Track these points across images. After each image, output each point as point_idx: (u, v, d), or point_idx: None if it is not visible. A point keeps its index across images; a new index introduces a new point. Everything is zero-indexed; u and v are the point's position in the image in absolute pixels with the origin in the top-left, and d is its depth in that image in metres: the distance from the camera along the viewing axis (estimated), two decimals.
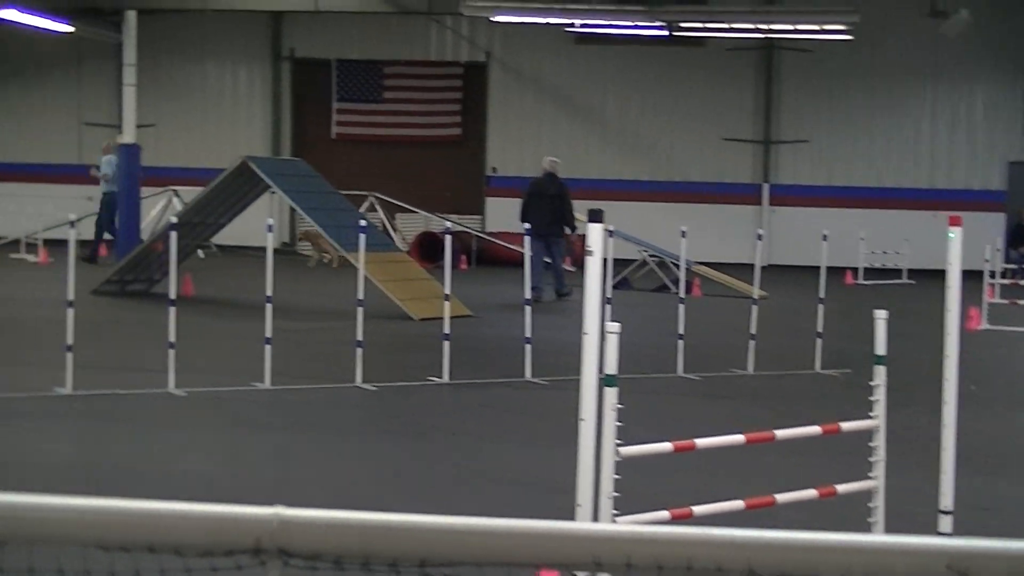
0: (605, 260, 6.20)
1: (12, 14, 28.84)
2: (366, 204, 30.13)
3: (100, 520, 2.32)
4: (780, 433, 6.76)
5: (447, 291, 13.50)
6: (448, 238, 13.97)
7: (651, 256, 25.68)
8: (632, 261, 25.42)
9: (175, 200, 30.20)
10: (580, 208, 24.00)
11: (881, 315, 6.51)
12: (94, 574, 2.88)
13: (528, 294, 17.26)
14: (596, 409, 5.63)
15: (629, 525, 3.05)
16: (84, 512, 2.32)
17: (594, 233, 5.46)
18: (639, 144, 34.41)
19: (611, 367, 5.61)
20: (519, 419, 11.27)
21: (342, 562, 2.32)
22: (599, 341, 5.58)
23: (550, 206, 22.17)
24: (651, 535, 2.38)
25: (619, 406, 5.70)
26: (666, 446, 6.25)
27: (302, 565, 2.35)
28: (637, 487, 7.63)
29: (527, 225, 15.95)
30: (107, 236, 27.35)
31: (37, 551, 2.48)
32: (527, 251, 14.59)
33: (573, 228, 22.47)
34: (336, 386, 12.46)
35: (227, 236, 24.53)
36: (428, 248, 28.96)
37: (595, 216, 5.44)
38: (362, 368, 12.54)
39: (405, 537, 2.29)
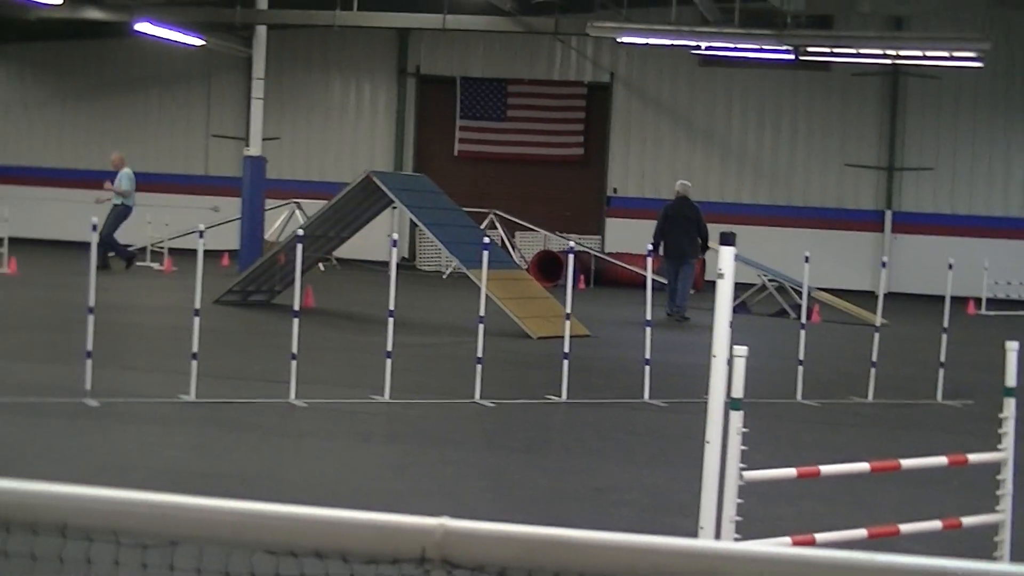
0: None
1: (146, 27, 29.44)
2: (486, 221, 30.29)
3: (268, 524, 2.37)
4: (906, 462, 6.69)
5: (568, 310, 13.52)
6: (571, 257, 13.98)
7: (770, 280, 25.52)
8: (751, 285, 25.25)
9: (298, 213, 30.58)
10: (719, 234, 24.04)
11: (1012, 346, 6.42)
12: None
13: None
14: (722, 432, 5.62)
15: (757, 544, 3.03)
16: (252, 516, 2.37)
17: (726, 256, 5.46)
18: (760, 168, 34.21)
19: (738, 391, 5.60)
20: (638, 439, 11.25)
21: (505, 574, 2.35)
22: (726, 364, 5.57)
23: (685, 229, 22.39)
24: (776, 555, 2.36)
25: (744, 430, 5.69)
26: (790, 472, 6.23)
27: None
28: (759, 512, 7.61)
29: (651, 246, 15.98)
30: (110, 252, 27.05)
31: (191, 550, 2.55)
32: (648, 273, 14.50)
33: (705, 251, 22.72)
34: (455, 401, 12.54)
35: (346, 249, 24.78)
36: (547, 267, 29.02)
37: (727, 239, 5.44)
38: (481, 384, 12.61)
39: (569, 550, 2.31)
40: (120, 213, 26.94)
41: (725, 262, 5.47)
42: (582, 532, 2.34)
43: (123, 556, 2.69)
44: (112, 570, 3.02)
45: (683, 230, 22.45)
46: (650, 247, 15.52)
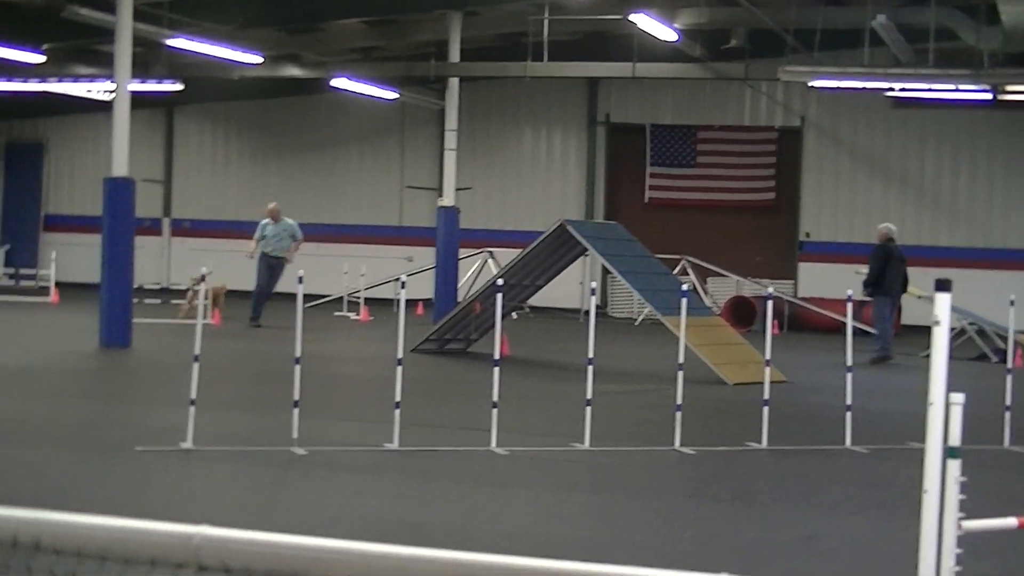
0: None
1: (343, 82, 30.13)
2: (678, 267, 30.24)
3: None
4: None
5: (767, 356, 13.42)
6: (770, 303, 13.89)
7: (970, 324, 24.99)
8: (950, 330, 24.70)
9: (490, 262, 30.90)
10: (917, 276, 23.93)
11: None
12: None
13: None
14: (939, 481, 5.54)
15: None
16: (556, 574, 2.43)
17: (942, 303, 5.39)
18: (957, 210, 33.55)
19: (954, 439, 5.52)
20: (842, 487, 11.10)
21: None
22: (943, 411, 5.49)
23: (900, 271, 23.23)
24: None
25: (962, 479, 5.60)
26: (1010, 521, 6.09)
27: None
28: (971, 565, 7.45)
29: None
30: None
31: None
32: (849, 318, 14.30)
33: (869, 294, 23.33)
34: (655, 449, 12.52)
35: (538, 298, 24.94)
36: (739, 312, 28.83)
37: (942, 286, 5.37)
38: (681, 431, 12.58)
39: None
40: (264, 266, 26.80)
41: (941, 309, 5.41)
42: None
43: None
44: None
45: (898, 272, 23.16)
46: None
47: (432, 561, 2.40)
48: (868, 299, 24.17)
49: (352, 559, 2.41)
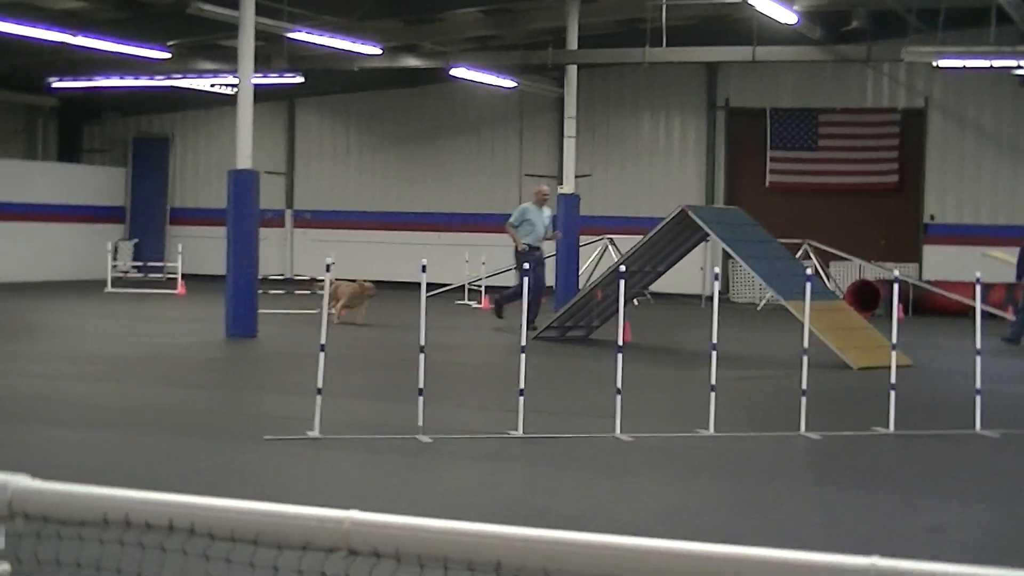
0: None
1: (461, 72, 30.29)
2: (800, 251, 29.99)
3: (700, 565, 2.44)
4: None
5: (894, 340, 13.28)
6: (896, 287, 13.75)
7: None
8: None
9: (611, 249, 30.88)
10: None
11: None
12: None
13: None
14: None
15: None
16: (681, 556, 2.45)
17: None
18: None
19: None
20: (971, 474, 10.98)
21: None
22: None
23: None
24: None
25: None
26: None
27: None
28: None
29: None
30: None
31: None
32: (978, 302, 14.06)
33: None
34: (781, 434, 12.46)
35: (658, 284, 24.87)
36: (863, 296, 28.52)
37: None
38: (806, 417, 12.50)
39: None
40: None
41: None
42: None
43: None
44: None
45: None
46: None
47: (579, 544, 2.43)
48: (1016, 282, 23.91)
49: (496, 543, 2.45)
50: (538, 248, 23.73)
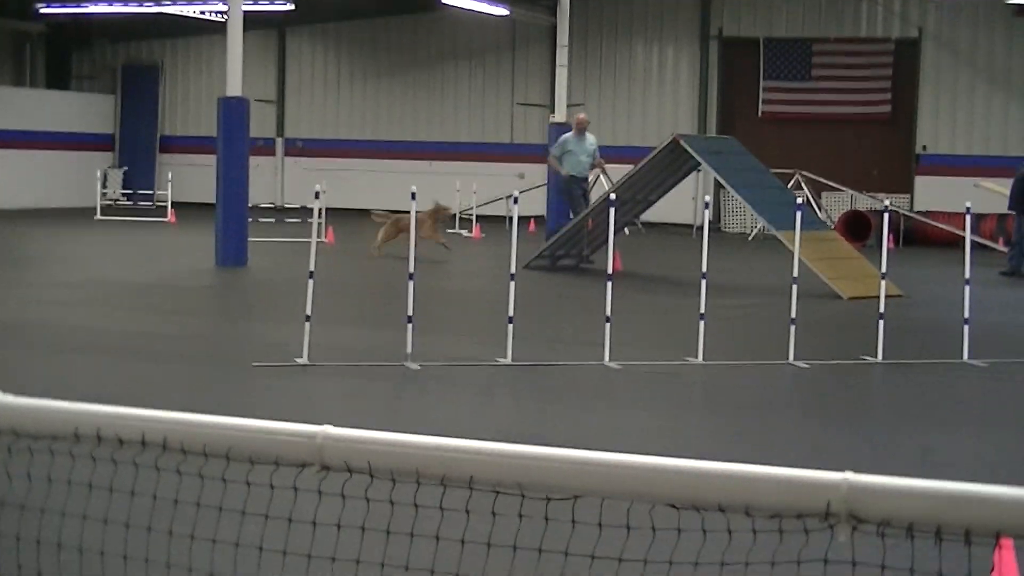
0: None
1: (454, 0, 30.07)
2: (792, 182, 29.91)
3: (672, 479, 2.43)
4: None
5: (883, 269, 13.27)
6: (886, 216, 13.71)
7: None
8: None
9: (603, 178, 30.79)
10: None
11: None
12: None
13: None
14: None
15: None
16: (655, 471, 2.43)
17: None
18: None
19: None
20: (960, 402, 11.00)
21: (913, 530, 2.33)
22: None
23: (1018, 185, 22.73)
24: None
25: None
26: None
27: (871, 531, 2.38)
28: None
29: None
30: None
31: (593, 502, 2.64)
32: (967, 232, 14.02)
33: None
34: (769, 363, 12.47)
35: (650, 213, 24.82)
36: (854, 226, 28.48)
37: None
38: (795, 345, 12.50)
39: (981, 505, 2.28)
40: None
41: None
42: (993, 487, 2.31)
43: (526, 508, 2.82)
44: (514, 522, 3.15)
45: None
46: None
47: (550, 459, 2.41)
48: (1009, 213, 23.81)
49: (474, 458, 2.43)
50: (584, 179, 23.00)
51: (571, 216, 22.27)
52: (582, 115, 23.64)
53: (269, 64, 39.24)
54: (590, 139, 22.95)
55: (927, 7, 32.92)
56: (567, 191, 22.99)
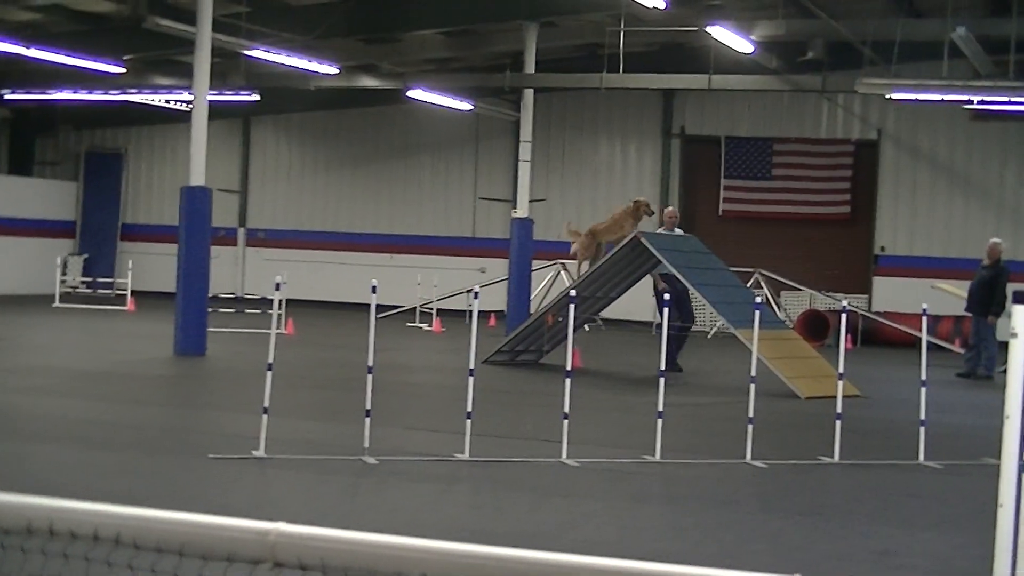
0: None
1: (418, 93, 30.26)
2: (752, 280, 30.10)
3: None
4: None
5: (840, 370, 13.33)
6: (843, 316, 13.81)
7: None
8: None
9: (563, 274, 30.90)
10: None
11: None
12: None
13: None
14: (1015, 495, 5.49)
15: None
16: (606, 572, 2.43)
17: (1018, 315, 5.35)
18: None
19: None
20: (916, 502, 11.01)
21: None
22: (1021, 426, 5.45)
23: (976, 288, 23.10)
24: None
25: None
26: None
27: None
28: None
29: None
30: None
31: None
32: (924, 333, 14.14)
33: (994, 314, 22.52)
34: (727, 462, 12.48)
35: (611, 310, 24.90)
36: (813, 326, 28.65)
37: (1019, 298, 5.33)
38: (752, 444, 12.52)
39: None
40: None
41: (1019, 322, 5.36)
42: None
43: None
44: None
45: (976, 288, 23.19)
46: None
47: (503, 559, 2.41)
48: (967, 314, 23.98)
49: (426, 556, 2.43)
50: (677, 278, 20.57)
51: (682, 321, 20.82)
52: (672, 207, 22.49)
53: (233, 153, 39.35)
54: (679, 233, 21.88)
55: (887, 109, 33.34)
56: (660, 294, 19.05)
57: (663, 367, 12.93)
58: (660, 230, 21.75)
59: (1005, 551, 5.51)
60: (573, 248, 21.82)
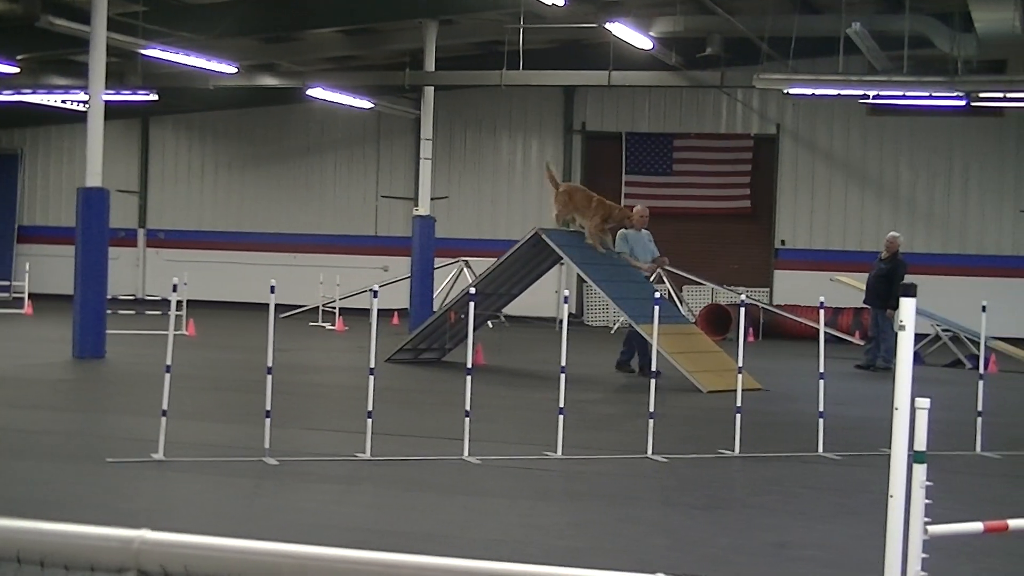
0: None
1: (318, 92, 30.10)
2: (654, 276, 30.23)
3: None
4: None
5: (739, 364, 13.43)
6: (742, 310, 13.91)
7: (944, 331, 25.08)
8: (924, 336, 24.86)
9: (466, 271, 30.89)
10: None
11: None
12: None
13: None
14: (905, 486, 5.54)
15: None
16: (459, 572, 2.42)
17: (906, 308, 5.40)
18: (932, 216, 33.67)
19: (920, 443, 5.53)
20: (815, 494, 11.11)
21: None
22: (909, 417, 5.50)
23: (874, 281, 23.44)
24: None
25: (928, 483, 5.61)
26: (976, 526, 6.10)
27: None
28: (943, 568, 7.47)
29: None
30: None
31: None
32: (821, 325, 14.29)
33: (892, 307, 22.75)
34: (628, 457, 12.52)
35: (514, 307, 24.91)
36: (715, 320, 28.86)
37: (907, 291, 5.38)
38: (653, 439, 12.58)
39: None
40: None
41: (906, 315, 5.42)
42: None
43: None
44: None
45: (873, 281, 23.54)
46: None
47: (368, 563, 2.38)
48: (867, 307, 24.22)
49: (292, 561, 2.40)
50: (646, 278, 21.07)
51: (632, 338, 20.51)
52: (639, 206, 21.79)
53: (132, 154, 38.93)
54: (649, 235, 21.44)
55: (785, 105, 33.68)
56: None
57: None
58: (628, 231, 21.09)
59: (896, 540, 5.57)
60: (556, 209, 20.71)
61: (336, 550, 2.41)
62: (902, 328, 5.42)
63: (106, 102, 21.17)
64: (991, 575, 7.87)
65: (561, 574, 2.35)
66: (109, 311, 21.62)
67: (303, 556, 2.39)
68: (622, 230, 21.07)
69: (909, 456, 5.54)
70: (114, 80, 26.29)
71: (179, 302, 24.97)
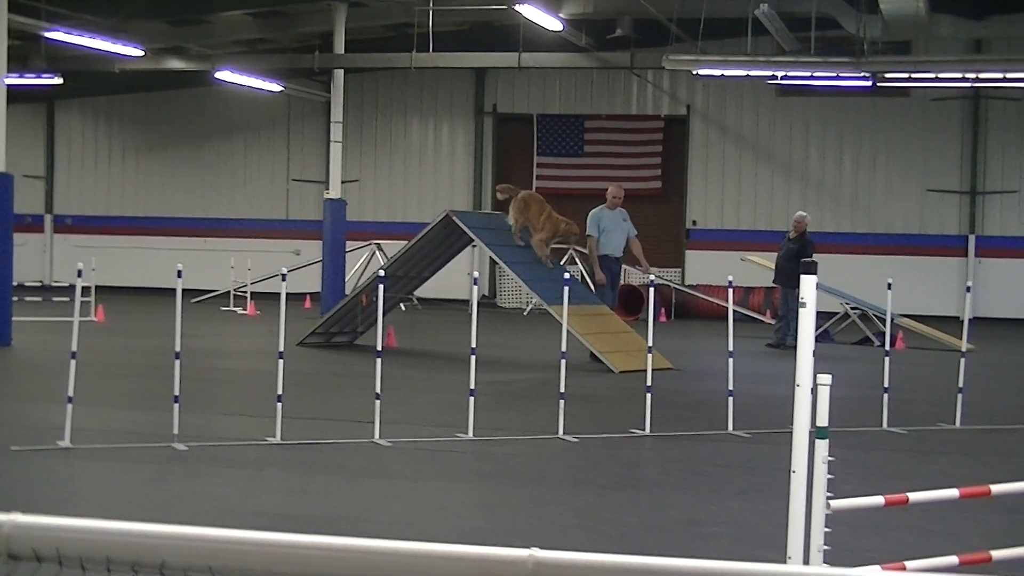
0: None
1: (227, 75, 29.84)
2: (566, 257, 30.33)
3: (368, 559, 2.39)
4: (996, 488, 6.61)
5: (650, 343, 13.49)
6: (652, 291, 13.96)
7: (853, 308, 25.35)
8: (833, 314, 25.11)
9: (378, 254, 30.80)
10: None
11: None
12: None
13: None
14: (807, 461, 5.59)
15: (843, 569, 3.05)
16: (353, 551, 2.39)
17: (807, 285, 5.44)
18: (841, 196, 34.02)
19: (822, 419, 5.58)
20: (724, 472, 11.20)
21: None
22: (811, 393, 5.55)
23: (783, 260, 23.50)
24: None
25: (829, 459, 5.67)
26: (877, 500, 6.17)
27: None
28: (848, 542, 7.56)
29: None
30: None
31: None
32: (730, 304, 14.42)
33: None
34: (539, 437, 12.54)
35: (427, 289, 24.89)
36: (628, 301, 28.97)
37: (808, 268, 5.42)
38: (564, 420, 12.61)
39: None
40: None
41: (807, 291, 5.46)
42: (671, 560, 2.34)
43: None
44: None
45: (783, 260, 23.61)
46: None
47: (245, 542, 2.35)
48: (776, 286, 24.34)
49: (161, 543, 2.37)
50: (616, 259, 20.83)
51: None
52: (615, 187, 21.55)
53: (37, 138, 38.41)
54: (622, 214, 20.98)
55: (695, 85, 33.86)
56: (592, 272, 20.87)
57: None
58: (602, 210, 20.86)
59: (799, 515, 5.61)
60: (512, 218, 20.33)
61: (206, 530, 2.39)
62: (803, 305, 5.46)
63: (9, 86, 20.85)
64: (896, 548, 7.95)
65: (432, 550, 2.34)
66: (15, 298, 21.32)
67: (173, 536, 2.36)
68: (594, 210, 20.89)
69: (811, 432, 5.59)
70: (17, 63, 25.92)
71: (86, 288, 24.70)
